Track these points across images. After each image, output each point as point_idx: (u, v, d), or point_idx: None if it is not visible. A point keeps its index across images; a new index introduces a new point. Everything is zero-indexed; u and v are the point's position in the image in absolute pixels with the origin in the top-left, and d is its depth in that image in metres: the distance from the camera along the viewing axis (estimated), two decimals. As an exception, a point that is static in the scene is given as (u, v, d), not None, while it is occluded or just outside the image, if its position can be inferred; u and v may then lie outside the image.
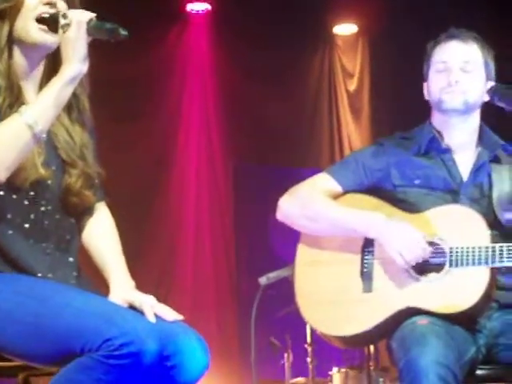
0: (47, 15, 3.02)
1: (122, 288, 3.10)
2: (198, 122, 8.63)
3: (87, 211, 3.24)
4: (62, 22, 2.97)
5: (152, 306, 3.00)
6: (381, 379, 6.93)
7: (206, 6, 8.53)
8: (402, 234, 3.57)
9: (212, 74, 8.60)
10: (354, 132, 9.02)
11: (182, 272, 8.27)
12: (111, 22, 2.97)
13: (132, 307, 3.01)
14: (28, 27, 3.04)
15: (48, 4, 3.03)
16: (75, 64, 2.94)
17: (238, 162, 8.57)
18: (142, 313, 2.97)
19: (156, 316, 2.97)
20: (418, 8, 7.66)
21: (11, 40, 3.05)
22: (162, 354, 2.86)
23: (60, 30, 2.97)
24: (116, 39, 2.97)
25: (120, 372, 2.76)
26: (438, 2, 7.46)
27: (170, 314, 3.01)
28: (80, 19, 2.95)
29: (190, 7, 8.55)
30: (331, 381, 7.20)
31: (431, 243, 3.57)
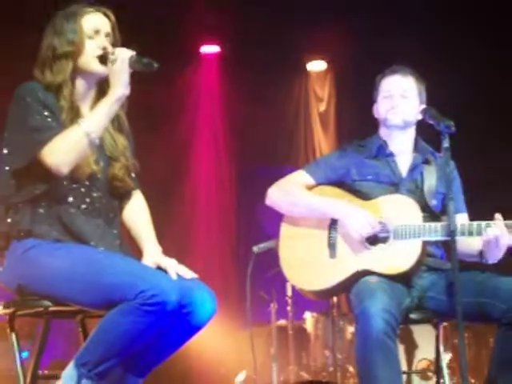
0: (101, 53, 3.04)
1: (152, 253, 3.10)
2: (209, 133, 8.63)
3: (127, 196, 3.25)
4: (111, 58, 2.99)
5: (174, 267, 3.00)
6: (341, 322, 6.94)
7: (216, 49, 8.53)
8: (357, 215, 3.56)
9: (219, 98, 8.59)
10: (323, 140, 9.01)
11: (196, 242, 8.27)
12: (147, 58, 2.99)
13: (159, 268, 3.01)
14: (90, 62, 3.07)
15: (102, 48, 3.06)
16: (120, 88, 2.96)
17: (239, 163, 8.56)
18: (166, 272, 2.98)
19: (177, 274, 2.97)
20: (370, 49, 7.65)
21: (73, 72, 3.07)
22: (181, 303, 2.87)
23: (109, 64, 2.99)
24: (150, 70, 2.99)
25: (150, 316, 2.77)
26: (387, 44, 7.43)
27: (187, 273, 3.02)
28: (124, 56, 2.97)
29: (202, 49, 8.55)
30: (305, 323, 7.22)
31: (380, 222, 3.56)
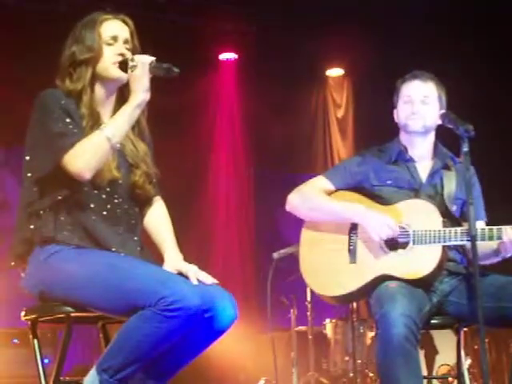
0: (120, 59, 3.05)
1: (173, 259, 3.10)
2: (228, 139, 8.66)
3: (148, 202, 3.24)
4: (131, 64, 3.00)
5: (195, 273, 3.00)
6: (361, 327, 6.92)
7: (234, 56, 8.61)
8: (377, 218, 3.54)
9: (237, 104, 8.63)
10: (341, 146, 9.02)
11: (216, 248, 8.28)
12: (167, 63, 2.99)
13: (180, 274, 3.01)
14: (108, 68, 3.08)
15: (120, 55, 3.05)
16: (141, 94, 2.97)
17: (258, 169, 8.57)
18: (187, 278, 2.97)
19: (198, 280, 2.97)
20: (385, 57, 7.68)
21: (93, 79, 3.07)
22: (202, 309, 2.86)
23: (129, 70, 3.00)
24: (171, 75, 3.00)
25: (171, 322, 2.76)
26: (401, 53, 7.46)
27: (208, 279, 3.01)
28: (144, 61, 2.98)
29: (221, 57, 8.64)
30: (325, 329, 7.20)
31: (399, 227, 3.54)
